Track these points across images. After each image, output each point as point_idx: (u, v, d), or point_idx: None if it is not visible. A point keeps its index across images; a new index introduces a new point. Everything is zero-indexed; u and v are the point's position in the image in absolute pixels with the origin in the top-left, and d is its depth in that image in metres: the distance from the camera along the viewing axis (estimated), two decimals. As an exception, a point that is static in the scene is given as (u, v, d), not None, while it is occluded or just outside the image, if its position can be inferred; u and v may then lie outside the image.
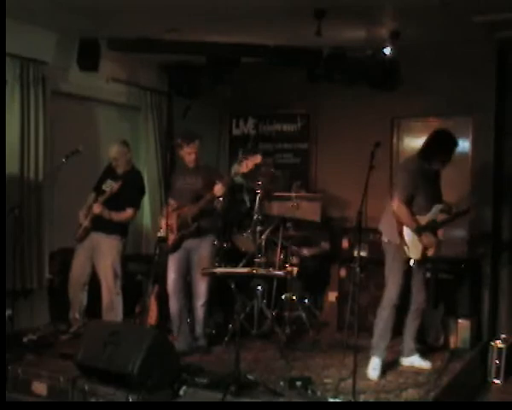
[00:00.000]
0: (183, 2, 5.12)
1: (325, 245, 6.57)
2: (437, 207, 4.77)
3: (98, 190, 5.61)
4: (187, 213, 5.11)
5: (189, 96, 7.12)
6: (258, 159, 4.92)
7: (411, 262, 4.75)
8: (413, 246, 4.72)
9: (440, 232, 4.98)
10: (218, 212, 5.25)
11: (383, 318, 4.83)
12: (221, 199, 5.11)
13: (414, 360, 4.97)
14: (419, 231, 4.69)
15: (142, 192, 5.60)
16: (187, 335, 5.24)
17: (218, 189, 5.00)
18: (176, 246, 5.15)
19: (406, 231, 4.73)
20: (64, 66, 6.20)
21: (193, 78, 6.97)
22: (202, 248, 5.19)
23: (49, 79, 5.96)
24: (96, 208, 5.43)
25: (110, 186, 5.46)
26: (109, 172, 5.66)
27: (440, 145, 4.81)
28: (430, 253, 4.77)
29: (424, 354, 5.10)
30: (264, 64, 6.49)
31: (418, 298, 4.90)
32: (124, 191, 5.44)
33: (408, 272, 4.82)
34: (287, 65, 6.58)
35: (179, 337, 5.14)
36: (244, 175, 7.48)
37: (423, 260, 4.79)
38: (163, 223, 5.18)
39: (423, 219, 4.74)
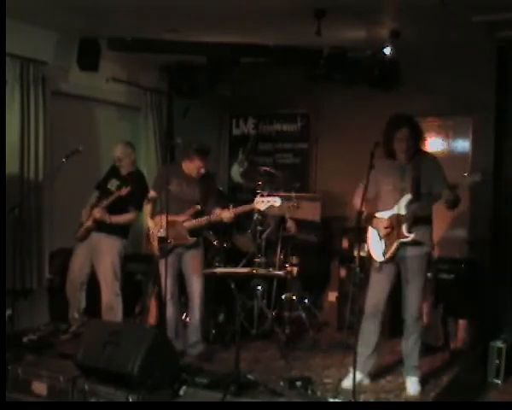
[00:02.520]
0: (183, 3, 5.12)
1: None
2: (403, 201, 4.38)
3: (102, 188, 5.61)
4: (182, 224, 5.06)
5: (189, 96, 7.12)
6: (277, 203, 4.89)
7: (376, 265, 4.47)
8: (377, 247, 4.48)
9: None
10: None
11: (360, 326, 4.55)
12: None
13: (407, 380, 4.54)
14: (369, 220, 4.47)
15: (146, 194, 5.58)
16: (184, 336, 5.23)
17: (227, 216, 5.00)
18: (168, 252, 5.06)
19: (370, 234, 4.55)
20: (64, 66, 6.20)
21: (193, 78, 6.97)
22: (193, 249, 5.16)
23: (49, 79, 5.97)
24: (97, 213, 5.42)
25: (116, 186, 5.46)
26: (113, 172, 5.66)
27: (387, 125, 4.52)
28: (392, 249, 4.37)
29: (424, 355, 5.09)
30: (264, 64, 6.49)
31: (405, 312, 4.46)
32: (127, 193, 5.44)
33: (393, 282, 4.51)
34: (287, 65, 6.59)
35: (177, 338, 5.11)
36: (243, 175, 7.53)
37: (391, 258, 4.41)
38: (155, 227, 5.17)
39: (386, 214, 4.44)
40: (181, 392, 4.17)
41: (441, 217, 6.24)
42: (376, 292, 4.51)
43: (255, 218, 5.96)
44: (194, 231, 5.11)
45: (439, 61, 6.41)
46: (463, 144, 6.63)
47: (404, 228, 4.37)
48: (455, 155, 6.66)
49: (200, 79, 6.95)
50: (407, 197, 4.39)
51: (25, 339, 5.23)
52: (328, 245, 6.82)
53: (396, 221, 4.40)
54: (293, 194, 6.18)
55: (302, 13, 5.19)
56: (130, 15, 5.49)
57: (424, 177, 4.42)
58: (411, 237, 4.36)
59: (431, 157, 4.58)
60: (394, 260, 4.46)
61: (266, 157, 7.77)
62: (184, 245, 5.10)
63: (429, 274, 5.84)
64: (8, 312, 5.19)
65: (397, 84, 6.21)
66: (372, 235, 4.55)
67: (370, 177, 4.36)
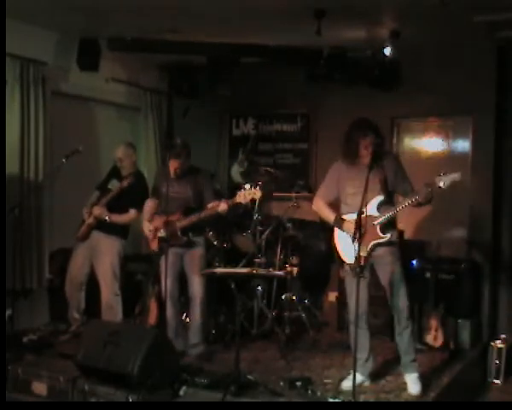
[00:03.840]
0: (183, 3, 5.12)
1: (321, 245, 6.56)
2: (374, 202, 4.29)
3: (103, 189, 5.60)
4: (176, 223, 5.02)
5: (189, 96, 7.12)
6: (257, 194, 4.82)
7: (346, 268, 4.40)
8: (347, 249, 4.34)
9: None
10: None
11: (349, 334, 4.53)
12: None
13: (407, 378, 4.49)
14: (338, 222, 4.41)
15: (146, 195, 5.57)
16: (184, 336, 5.22)
17: (223, 207, 4.92)
18: (161, 248, 5.07)
19: (337, 235, 4.49)
20: (64, 66, 6.20)
21: (193, 78, 6.98)
22: (193, 249, 5.13)
23: (49, 79, 5.96)
24: (97, 210, 5.42)
25: (117, 185, 5.44)
26: (114, 173, 5.65)
27: (351, 129, 4.42)
28: (366, 251, 4.25)
29: (424, 355, 5.09)
30: (264, 64, 6.50)
31: (394, 308, 4.45)
32: (127, 193, 5.41)
33: (370, 282, 4.45)
34: (287, 65, 6.59)
35: (177, 338, 5.10)
36: (243, 175, 7.52)
37: (364, 262, 4.24)
38: (146, 229, 5.18)
39: (354, 217, 4.21)
40: (181, 392, 4.18)
41: (441, 217, 6.28)
42: (356, 298, 4.23)
43: (255, 218, 5.96)
44: (189, 230, 5.07)
45: (439, 61, 6.41)
46: (463, 144, 6.64)
47: (378, 229, 4.29)
48: (455, 155, 6.67)
49: (200, 79, 6.95)
50: (378, 198, 4.33)
51: (25, 339, 5.22)
52: (328, 245, 6.80)
53: (368, 223, 4.25)
54: (294, 194, 6.19)
55: (302, 13, 5.19)
56: (130, 15, 5.49)
57: (388, 177, 4.38)
58: (387, 237, 4.30)
59: (392, 157, 4.56)
60: (368, 261, 4.36)
61: (266, 157, 7.77)
62: (178, 244, 5.06)
63: (428, 274, 5.87)
64: (8, 312, 5.19)
65: (397, 84, 6.21)
66: (340, 238, 4.47)
67: (330, 180, 4.48)
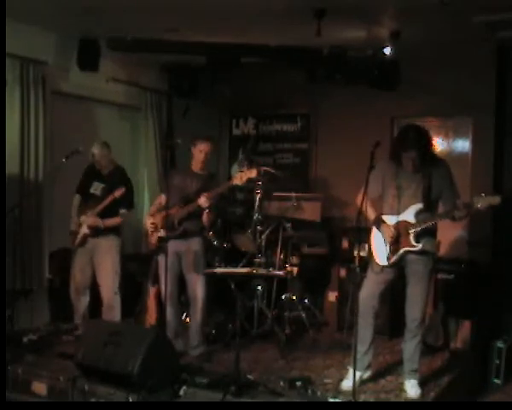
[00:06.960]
0: (183, 3, 5.12)
1: (324, 247, 6.57)
2: (412, 208, 4.31)
3: (85, 193, 5.54)
4: (174, 215, 5.02)
5: (189, 96, 7.12)
6: (253, 173, 4.84)
7: (378, 268, 4.39)
8: (381, 250, 4.40)
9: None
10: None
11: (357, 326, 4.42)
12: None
13: (406, 383, 4.45)
14: (377, 222, 4.41)
15: (132, 189, 5.52)
16: (184, 336, 5.21)
17: (203, 201, 4.91)
18: (160, 247, 5.08)
19: (374, 235, 4.49)
20: (64, 66, 6.20)
21: (193, 78, 6.98)
22: (192, 249, 5.09)
23: (49, 79, 5.96)
24: (90, 220, 5.37)
25: (101, 189, 5.40)
26: (93, 175, 5.57)
27: (395, 139, 4.46)
28: (397, 256, 4.31)
29: (424, 354, 5.09)
30: (265, 64, 6.50)
31: (408, 315, 4.42)
32: (121, 194, 5.36)
33: (390, 281, 4.47)
34: (287, 65, 6.59)
35: (177, 339, 5.09)
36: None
37: (396, 262, 4.36)
38: (148, 221, 5.20)
39: (392, 219, 4.37)
40: (181, 392, 4.17)
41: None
42: (369, 287, 4.46)
43: (255, 218, 5.96)
44: (182, 222, 5.04)
45: (439, 61, 6.41)
46: (463, 144, 6.64)
47: (411, 237, 4.30)
48: (455, 155, 6.67)
49: (200, 79, 6.95)
50: (417, 206, 4.31)
51: (25, 339, 5.20)
52: (328, 245, 6.81)
53: (403, 228, 4.32)
54: (293, 194, 6.19)
55: (302, 13, 5.19)
56: (130, 15, 5.49)
57: (434, 185, 4.35)
58: (419, 247, 4.29)
59: (441, 164, 4.48)
60: (397, 264, 4.41)
61: (266, 157, 7.78)
62: (174, 236, 5.03)
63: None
64: (8, 312, 5.19)
65: (397, 84, 6.21)
66: (376, 237, 4.48)
67: (375, 176, 4.34)
